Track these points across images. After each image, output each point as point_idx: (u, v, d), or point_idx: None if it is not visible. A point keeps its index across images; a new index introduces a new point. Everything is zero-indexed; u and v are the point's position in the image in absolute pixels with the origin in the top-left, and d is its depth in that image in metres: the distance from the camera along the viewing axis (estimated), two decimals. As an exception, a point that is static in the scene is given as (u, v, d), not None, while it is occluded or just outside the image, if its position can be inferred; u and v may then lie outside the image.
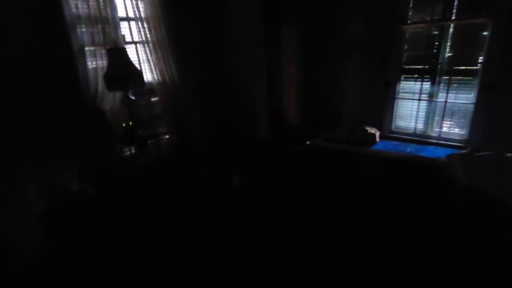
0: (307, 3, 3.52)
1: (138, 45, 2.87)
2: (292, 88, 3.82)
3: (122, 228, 2.47)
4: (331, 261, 2.02)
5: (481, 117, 2.88)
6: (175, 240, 2.32)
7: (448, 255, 2.03)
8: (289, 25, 3.58)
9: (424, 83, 3.17)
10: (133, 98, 2.61)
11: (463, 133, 3.08)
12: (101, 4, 2.40)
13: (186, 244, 2.28)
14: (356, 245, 2.17)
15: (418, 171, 2.54)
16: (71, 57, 2.35)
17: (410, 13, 3.06)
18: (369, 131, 3.29)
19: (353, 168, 2.88)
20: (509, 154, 2.34)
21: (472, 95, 2.93)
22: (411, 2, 3.02)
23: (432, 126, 3.26)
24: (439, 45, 2.98)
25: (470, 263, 1.94)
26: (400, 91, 3.36)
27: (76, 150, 2.49)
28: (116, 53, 2.42)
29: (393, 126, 3.51)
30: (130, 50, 2.80)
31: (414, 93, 3.27)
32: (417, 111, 3.28)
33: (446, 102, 3.07)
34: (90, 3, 2.35)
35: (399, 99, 3.39)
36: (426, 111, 3.25)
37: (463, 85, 3.00)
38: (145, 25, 2.77)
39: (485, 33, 2.74)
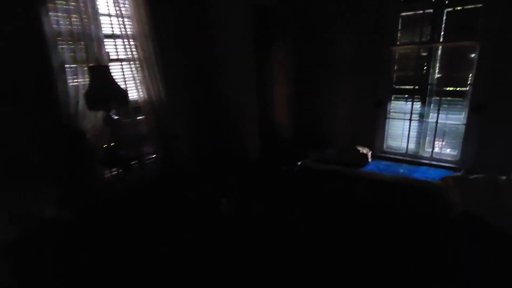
0: (299, 24, 3.54)
1: (124, 62, 2.78)
2: (284, 108, 3.78)
3: (100, 257, 2.27)
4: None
5: (472, 138, 2.86)
6: (159, 270, 2.15)
7: (444, 282, 1.92)
8: (280, 45, 3.57)
9: (414, 103, 3.17)
10: (117, 117, 2.49)
11: (455, 153, 3.06)
12: (85, 21, 2.32)
13: (170, 275, 2.10)
14: (348, 274, 2.04)
15: (413, 195, 2.46)
16: (50, 75, 2.23)
17: (399, 35, 3.09)
18: (361, 151, 3.24)
19: (345, 191, 2.79)
20: (504, 177, 2.29)
21: (462, 116, 2.93)
22: (399, 24, 3.05)
23: (424, 146, 3.24)
24: (428, 66, 2.99)
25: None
26: (391, 111, 3.35)
27: (53, 173, 2.33)
28: (99, 71, 2.31)
29: (385, 146, 3.47)
30: (116, 68, 2.70)
31: (405, 113, 3.26)
32: (409, 131, 3.26)
33: (437, 122, 3.05)
34: (73, 20, 2.26)
35: (391, 119, 3.37)
36: (417, 131, 3.23)
37: (453, 105, 3.00)
38: (132, 42, 2.69)
39: (473, 55, 2.77)
